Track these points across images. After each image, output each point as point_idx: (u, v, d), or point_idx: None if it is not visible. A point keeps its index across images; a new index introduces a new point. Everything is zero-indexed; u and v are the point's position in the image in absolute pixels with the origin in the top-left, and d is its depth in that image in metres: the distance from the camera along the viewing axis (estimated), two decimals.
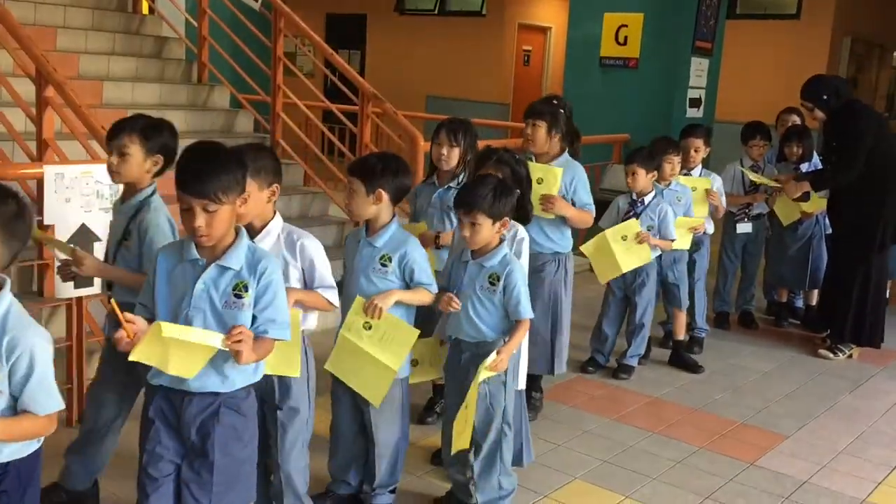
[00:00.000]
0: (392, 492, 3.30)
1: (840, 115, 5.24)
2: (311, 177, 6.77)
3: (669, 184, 5.00)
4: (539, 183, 3.91)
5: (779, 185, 5.59)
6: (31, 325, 2.11)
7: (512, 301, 3.10)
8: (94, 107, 5.27)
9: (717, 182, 5.33)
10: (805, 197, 5.58)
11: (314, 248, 2.85)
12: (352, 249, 3.15)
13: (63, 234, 3.47)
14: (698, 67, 7.94)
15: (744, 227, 5.85)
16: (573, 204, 4.09)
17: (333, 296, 2.90)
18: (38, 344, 2.09)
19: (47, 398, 2.11)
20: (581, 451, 3.97)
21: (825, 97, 5.25)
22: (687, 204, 5.06)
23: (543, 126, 4.07)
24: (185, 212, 2.31)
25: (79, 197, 3.54)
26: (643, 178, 4.72)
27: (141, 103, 6.28)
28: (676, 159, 5.00)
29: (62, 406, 2.16)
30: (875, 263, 5.35)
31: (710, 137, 5.44)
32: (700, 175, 5.31)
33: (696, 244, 5.28)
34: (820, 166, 5.73)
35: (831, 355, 5.51)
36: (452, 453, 3.13)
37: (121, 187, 3.10)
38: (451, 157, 3.82)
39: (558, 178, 4.01)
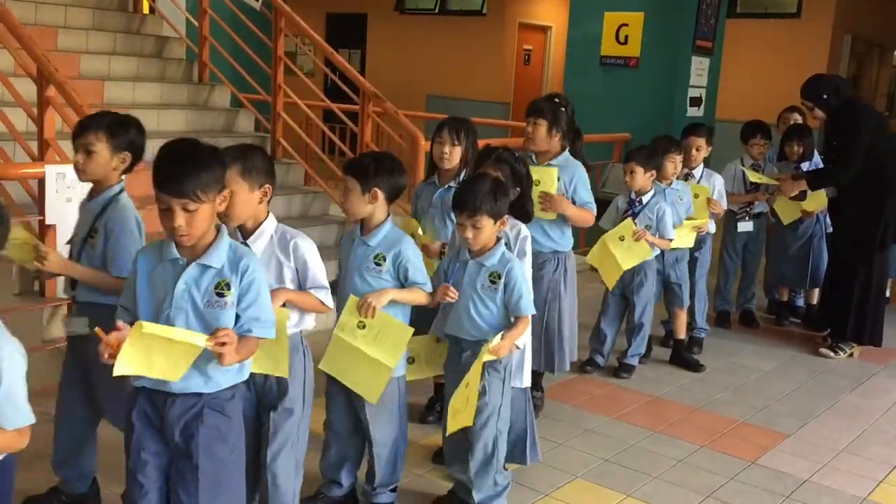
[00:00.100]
0: (393, 490, 3.29)
1: (840, 114, 5.24)
2: (311, 176, 6.77)
3: (671, 183, 4.99)
4: (537, 185, 3.91)
5: (778, 184, 5.60)
6: (2, 335, 2.04)
7: (513, 298, 3.10)
8: (95, 106, 5.20)
9: (718, 182, 5.32)
10: (802, 195, 5.58)
11: (307, 247, 2.82)
12: (346, 249, 3.14)
13: (64, 233, 3.47)
14: (699, 66, 7.95)
15: (745, 226, 5.84)
16: (573, 202, 4.09)
17: (326, 296, 2.86)
18: (9, 356, 2.01)
19: (14, 412, 2.04)
20: (582, 449, 3.97)
21: (825, 96, 5.25)
22: (689, 203, 5.05)
23: (544, 124, 4.07)
24: (164, 212, 2.25)
25: (80, 196, 3.52)
26: (641, 177, 4.72)
27: (142, 103, 6.26)
28: (678, 158, 4.99)
29: (32, 420, 2.08)
30: (876, 262, 5.36)
31: (711, 136, 5.43)
32: (702, 174, 5.31)
33: (699, 243, 5.28)
34: (821, 165, 5.74)
35: (832, 354, 5.52)
36: (448, 434, 3.12)
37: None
38: (453, 155, 3.82)
39: (554, 177, 4.01)
